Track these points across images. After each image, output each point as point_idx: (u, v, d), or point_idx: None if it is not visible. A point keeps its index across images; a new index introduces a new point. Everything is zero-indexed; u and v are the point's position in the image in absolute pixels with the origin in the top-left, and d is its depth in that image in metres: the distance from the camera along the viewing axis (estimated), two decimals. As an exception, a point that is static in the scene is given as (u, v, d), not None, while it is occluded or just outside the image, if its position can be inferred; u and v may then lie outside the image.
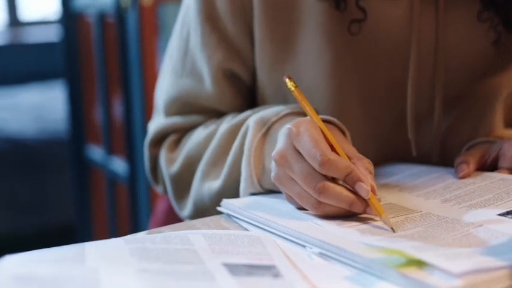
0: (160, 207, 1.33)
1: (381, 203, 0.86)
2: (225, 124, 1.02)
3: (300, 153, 0.83)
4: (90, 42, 2.64)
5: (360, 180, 0.81)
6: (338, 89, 1.00)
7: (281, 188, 0.87)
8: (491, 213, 0.81)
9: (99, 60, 2.53)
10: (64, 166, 3.12)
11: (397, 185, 0.94)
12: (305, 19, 0.99)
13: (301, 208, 0.86)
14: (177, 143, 1.10)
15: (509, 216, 0.79)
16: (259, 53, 1.02)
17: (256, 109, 1.02)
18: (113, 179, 2.53)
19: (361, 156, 0.86)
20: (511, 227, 0.75)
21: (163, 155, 1.09)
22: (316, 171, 0.82)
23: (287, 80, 0.91)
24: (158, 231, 0.84)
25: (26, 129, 3.38)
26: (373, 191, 0.82)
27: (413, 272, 0.66)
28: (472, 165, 0.94)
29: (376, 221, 0.81)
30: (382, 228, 0.79)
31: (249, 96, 1.08)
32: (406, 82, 1.01)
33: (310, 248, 0.76)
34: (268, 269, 0.69)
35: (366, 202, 0.82)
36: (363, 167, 0.84)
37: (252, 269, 0.68)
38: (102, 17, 2.48)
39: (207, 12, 1.03)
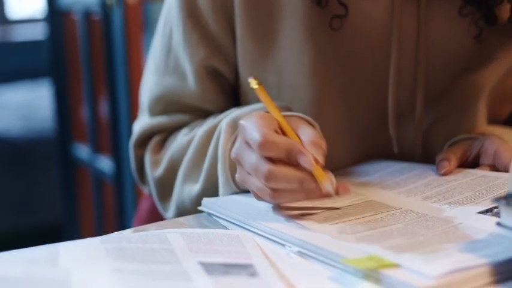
0: (143, 206, 1.32)
1: (362, 201, 0.87)
2: (203, 127, 1.02)
3: (249, 146, 0.82)
4: (76, 40, 2.63)
5: (302, 153, 0.79)
6: (320, 86, 1.00)
7: (246, 186, 0.85)
8: (471, 211, 0.81)
9: (85, 59, 2.53)
10: (51, 164, 3.11)
11: (378, 183, 0.94)
12: (286, 15, 0.99)
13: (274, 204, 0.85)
14: (162, 144, 1.09)
15: (489, 214, 0.79)
16: (241, 50, 1.02)
17: (231, 110, 1.01)
18: (99, 178, 2.52)
19: (308, 130, 0.82)
20: (491, 225, 0.75)
21: (148, 157, 1.08)
22: (261, 159, 0.80)
23: (251, 80, 0.89)
24: (143, 229, 0.84)
25: (12, 128, 3.37)
26: (317, 161, 0.79)
27: (392, 271, 0.66)
28: (454, 162, 0.94)
29: (358, 218, 0.81)
30: (362, 225, 0.78)
31: (232, 94, 1.07)
32: (387, 79, 1.00)
33: (290, 246, 0.76)
34: (245, 268, 0.68)
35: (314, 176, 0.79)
36: (307, 141, 0.81)
37: (228, 268, 0.68)
38: (87, 14, 2.47)
39: (188, 9, 1.03)
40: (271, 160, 0.80)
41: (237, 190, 0.94)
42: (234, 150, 0.85)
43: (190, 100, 1.06)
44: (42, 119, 3.41)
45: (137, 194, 2.22)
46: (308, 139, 0.81)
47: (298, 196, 0.81)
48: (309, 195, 0.81)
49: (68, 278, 0.63)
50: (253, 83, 0.89)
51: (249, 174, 0.83)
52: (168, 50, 1.07)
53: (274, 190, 0.80)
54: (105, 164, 2.44)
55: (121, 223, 2.35)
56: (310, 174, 0.79)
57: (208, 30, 1.03)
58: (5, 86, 4.01)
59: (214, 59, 1.04)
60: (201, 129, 1.01)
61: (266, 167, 0.79)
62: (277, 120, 0.84)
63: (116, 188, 2.35)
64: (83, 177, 2.71)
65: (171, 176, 1.05)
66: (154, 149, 1.08)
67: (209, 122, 1.02)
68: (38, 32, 3.98)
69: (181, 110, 1.08)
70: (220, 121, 0.99)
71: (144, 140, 1.10)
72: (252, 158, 0.81)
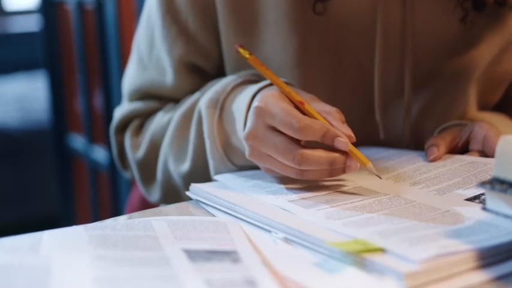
0: (135, 194, 1.33)
1: (350, 187, 0.86)
2: (182, 108, 1.03)
3: (271, 128, 0.84)
4: (70, 32, 2.62)
5: (337, 136, 0.83)
6: (305, 77, 1.00)
7: (259, 164, 0.87)
8: (459, 197, 0.80)
9: (79, 49, 2.52)
10: (46, 155, 3.11)
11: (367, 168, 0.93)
12: (268, 6, 0.98)
13: (281, 179, 0.88)
14: (141, 127, 1.11)
15: (477, 201, 0.78)
16: (226, 44, 1.02)
17: (206, 89, 1.02)
18: (95, 168, 2.53)
19: (327, 108, 0.87)
20: (478, 212, 0.75)
21: (127, 141, 1.10)
22: (291, 142, 0.83)
23: (240, 50, 0.91)
24: (131, 217, 0.84)
25: (7, 119, 3.36)
26: (350, 139, 0.84)
27: (375, 257, 0.65)
28: (443, 148, 0.93)
29: (345, 204, 0.80)
30: (349, 210, 0.78)
31: None
32: (373, 64, 1.00)
33: (276, 233, 0.76)
34: (228, 255, 0.68)
35: (345, 155, 0.84)
36: (335, 120, 0.85)
37: (211, 255, 0.67)
38: (81, 5, 2.47)
39: (167, 5, 1.03)
40: (298, 141, 0.83)
41: (232, 167, 0.96)
42: (247, 132, 0.86)
43: (168, 92, 1.08)
44: (38, 110, 3.41)
45: (132, 184, 2.22)
46: (336, 117, 0.85)
47: (324, 175, 0.84)
48: (335, 174, 0.85)
49: (48, 265, 0.62)
50: (244, 53, 0.92)
51: (268, 155, 0.85)
52: (151, 44, 1.08)
53: (302, 170, 0.83)
54: (100, 154, 2.44)
55: (116, 213, 2.36)
56: (340, 154, 0.83)
57: (187, 27, 1.03)
58: (1, 77, 4.00)
59: (194, 55, 1.04)
60: (179, 110, 1.03)
61: (299, 150, 0.82)
62: (286, 95, 0.87)
63: (111, 178, 2.36)
64: (79, 168, 2.71)
65: (153, 157, 1.07)
66: (133, 132, 1.10)
67: (185, 103, 1.03)
68: (33, 24, 3.97)
69: (158, 99, 1.10)
70: (196, 101, 1.00)
71: (123, 125, 1.12)
72: (279, 142, 0.83)
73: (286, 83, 0.91)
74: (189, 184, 0.92)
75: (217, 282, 0.62)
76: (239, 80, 0.96)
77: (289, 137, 0.83)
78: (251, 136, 0.85)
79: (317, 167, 0.83)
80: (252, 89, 0.91)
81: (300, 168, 0.83)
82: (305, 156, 0.82)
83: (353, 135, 0.84)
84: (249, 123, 0.86)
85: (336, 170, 0.84)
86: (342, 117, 0.86)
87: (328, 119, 0.85)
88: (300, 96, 0.88)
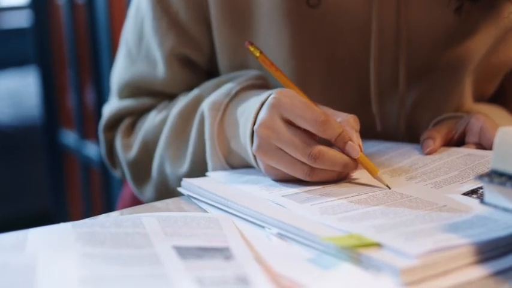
0: (127, 191, 1.31)
1: (345, 181, 0.85)
2: (177, 107, 1.01)
3: (287, 121, 0.83)
4: (61, 27, 2.60)
5: (350, 140, 0.83)
6: (299, 70, 0.98)
7: (264, 159, 0.85)
8: (456, 191, 0.79)
9: (70, 45, 2.50)
10: (38, 151, 3.09)
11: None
12: None
13: (280, 180, 0.86)
14: (132, 127, 1.08)
15: (474, 195, 0.77)
16: (218, 37, 1.00)
17: (205, 88, 1.00)
18: (87, 164, 2.51)
19: (341, 113, 0.86)
20: (475, 205, 0.73)
21: (118, 141, 1.07)
22: (308, 138, 0.82)
23: (250, 47, 0.90)
24: (121, 213, 0.82)
25: (0, 116, 3.35)
26: (361, 149, 0.84)
27: (372, 252, 0.64)
28: (438, 141, 0.92)
29: (340, 199, 0.79)
30: (344, 205, 0.77)
31: (206, 80, 1.05)
32: (369, 56, 0.98)
33: (269, 228, 0.74)
34: (221, 251, 0.66)
35: (356, 161, 0.83)
36: (349, 126, 0.84)
37: (203, 252, 0.66)
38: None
39: None
40: (315, 138, 0.83)
41: (229, 169, 0.94)
42: (261, 123, 0.84)
43: (160, 86, 1.05)
44: (29, 106, 3.39)
45: (124, 180, 2.21)
46: (350, 124, 0.85)
47: (332, 176, 0.84)
48: (341, 178, 0.85)
49: (34, 264, 0.61)
50: (255, 51, 0.90)
51: (279, 149, 0.83)
52: (140, 36, 1.06)
53: (313, 169, 0.82)
54: (92, 150, 2.43)
55: (108, 209, 2.34)
56: (352, 159, 0.83)
57: (178, 19, 1.01)
58: (-9, 73, 3.98)
59: (185, 47, 1.02)
60: (175, 108, 1.00)
61: (317, 147, 0.81)
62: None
63: (103, 174, 2.35)
64: (70, 164, 2.70)
65: (145, 158, 1.04)
66: (124, 132, 1.07)
67: (182, 102, 1.00)
68: (24, 19, 3.95)
69: (150, 94, 1.07)
70: (196, 101, 0.98)
71: (112, 123, 1.10)
72: (297, 135, 0.82)
73: None
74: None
75: (208, 280, 0.60)
76: (244, 84, 0.95)
77: (307, 131, 0.82)
78: (264, 127, 0.84)
79: (330, 167, 0.82)
80: (263, 95, 0.89)
81: (314, 165, 0.82)
82: (322, 152, 0.81)
83: (362, 146, 0.84)
84: (262, 115, 0.85)
85: (344, 174, 0.84)
86: (356, 126, 0.85)
87: (343, 123, 0.84)
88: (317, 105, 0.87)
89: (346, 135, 0.83)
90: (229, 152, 0.93)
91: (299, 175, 0.83)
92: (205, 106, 0.95)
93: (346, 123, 0.84)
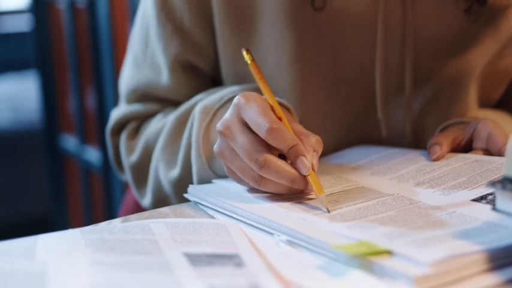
0: (130, 196, 1.30)
1: (353, 187, 0.85)
2: (175, 113, 1.01)
3: (245, 125, 0.82)
4: (61, 31, 2.60)
5: (303, 155, 0.80)
6: (303, 72, 0.98)
7: (222, 161, 0.84)
8: (465, 198, 0.78)
9: (70, 49, 2.50)
10: (38, 156, 3.09)
11: (369, 168, 0.92)
12: (265, 2, 0.96)
13: (241, 183, 0.85)
14: (137, 130, 1.08)
15: (483, 201, 0.76)
16: (221, 42, 1.00)
17: (205, 95, 0.99)
18: (87, 169, 2.51)
19: (309, 133, 0.84)
20: (485, 212, 0.73)
21: (123, 144, 1.08)
22: (259, 144, 0.80)
23: (244, 53, 0.89)
24: (127, 219, 0.82)
25: (0, 120, 3.34)
26: (313, 169, 0.80)
27: (384, 260, 0.63)
28: (445, 147, 0.92)
29: (349, 206, 0.78)
30: (353, 212, 0.76)
31: (211, 86, 1.05)
32: (374, 61, 0.98)
33: (278, 235, 0.73)
34: (231, 258, 0.66)
35: (306, 179, 0.80)
36: (308, 144, 0.82)
37: (213, 259, 0.65)
38: (72, 3, 2.44)
39: (161, 2, 1.01)
40: (268, 147, 0.80)
41: (212, 174, 0.93)
42: (222, 121, 0.83)
43: (165, 93, 1.05)
44: (29, 110, 3.39)
45: (125, 185, 2.20)
46: (310, 143, 0.82)
47: (282, 190, 0.81)
48: (292, 193, 0.81)
49: (44, 270, 0.60)
50: (247, 57, 0.89)
51: (234, 151, 0.82)
52: (146, 42, 1.06)
53: (262, 177, 0.80)
54: (92, 155, 2.42)
55: (109, 214, 2.34)
56: (301, 176, 0.79)
57: (183, 25, 1.00)
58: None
59: (190, 54, 1.02)
60: (172, 115, 1.00)
61: (264, 155, 0.79)
62: (271, 106, 0.84)
63: (104, 178, 2.34)
64: (71, 169, 2.69)
65: (146, 162, 1.04)
66: (129, 135, 1.08)
67: (181, 108, 1.00)
68: (24, 23, 3.95)
69: (156, 101, 1.07)
70: (191, 107, 0.98)
71: (119, 127, 1.10)
72: (248, 139, 0.80)
73: (282, 104, 0.89)
74: (178, 191, 0.90)
75: (221, 287, 0.59)
76: (237, 93, 0.93)
77: (260, 138, 0.80)
78: (224, 125, 0.82)
79: (277, 178, 0.79)
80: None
81: (260, 173, 0.79)
82: (269, 161, 0.79)
83: (316, 166, 0.81)
84: (226, 114, 0.84)
85: (296, 192, 0.81)
86: (318, 147, 0.82)
87: (304, 141, 0.82)
88: (292, 122, 0.85)
89: (299, 150, 0.80)
90: (212, 157, 0.92)
91: (249, 181, 0.81)
92: (197, 109, 0.95)
93: (307, 141, 0.82)
